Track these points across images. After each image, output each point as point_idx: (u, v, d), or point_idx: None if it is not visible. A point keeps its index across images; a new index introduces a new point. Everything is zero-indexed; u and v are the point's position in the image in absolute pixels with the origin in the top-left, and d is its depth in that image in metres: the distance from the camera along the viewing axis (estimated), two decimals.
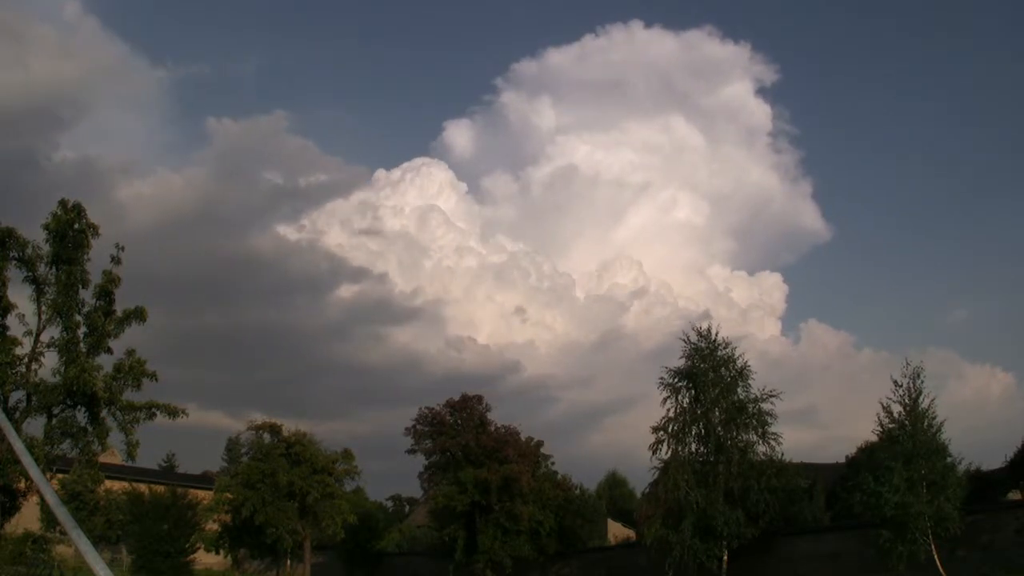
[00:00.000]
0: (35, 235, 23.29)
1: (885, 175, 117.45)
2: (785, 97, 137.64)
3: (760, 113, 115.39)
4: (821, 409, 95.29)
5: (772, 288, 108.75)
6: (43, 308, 23.47)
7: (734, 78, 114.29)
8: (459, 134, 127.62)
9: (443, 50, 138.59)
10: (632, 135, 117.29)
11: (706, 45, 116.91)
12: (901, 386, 24.01)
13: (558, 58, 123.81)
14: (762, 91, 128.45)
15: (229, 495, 34.77)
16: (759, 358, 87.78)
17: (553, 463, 39.07)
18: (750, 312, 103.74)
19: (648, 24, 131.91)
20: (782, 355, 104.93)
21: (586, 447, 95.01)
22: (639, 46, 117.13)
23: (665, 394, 28.67)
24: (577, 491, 40.63)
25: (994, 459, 32.43)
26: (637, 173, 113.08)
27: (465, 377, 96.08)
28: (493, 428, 36.86)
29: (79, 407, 23.63)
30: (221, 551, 37.99)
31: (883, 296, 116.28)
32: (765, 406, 27.97)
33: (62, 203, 23.22)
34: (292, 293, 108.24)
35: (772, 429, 27.86)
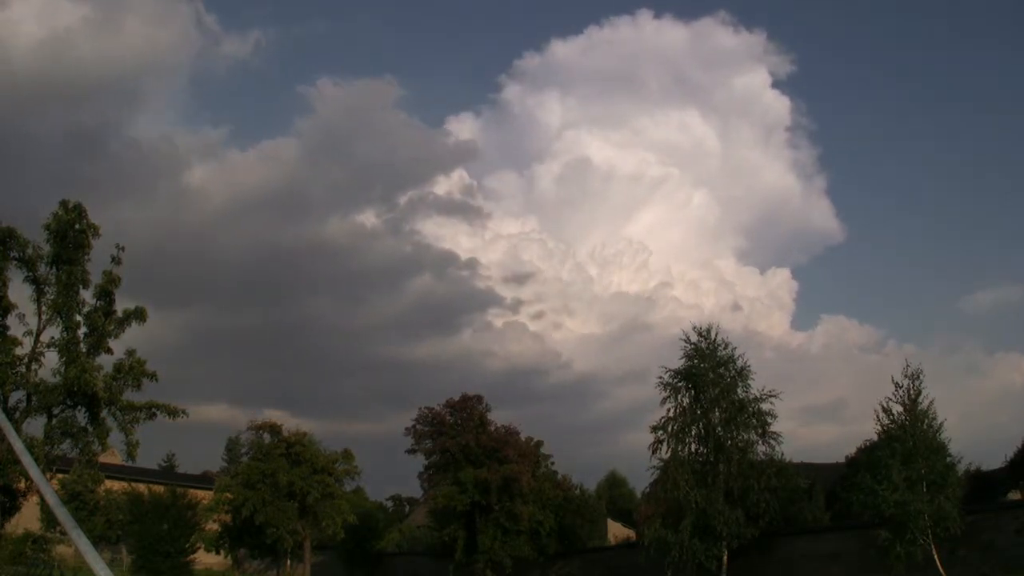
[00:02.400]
0: (37, 235, 23.36)
1: (902, 169, 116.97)
2: (801, 89, 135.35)
3: (778, 106, 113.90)
4: (850, 404, 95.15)
5: (784, 284, 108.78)
6: (43, 308, 23.48)
7: (748, 69, 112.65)
8: (462, 130, 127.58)
9: (446, 42, 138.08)
10: (642, 130, 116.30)
11: (718, 34, 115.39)
12: (901, 387, 24.08)
13: (564, 51, 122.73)
14: (778, 83, 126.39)
15: (229, 495, 34.78)
16: (778, 352, 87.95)
17: (553, 463, 39.18)
18: (770, 307, 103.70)
19: (657, 14, 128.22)
20: (801, 350, 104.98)
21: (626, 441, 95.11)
22: (648, 36, 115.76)
23: (665, 394, 28.72)
24: (577, 491, 40.64)
25: (994, 459, 32.56)
26: (650, 168, 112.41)
27: (516, 369, 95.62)
28: (493, 428, 36.86)
29: (79, 407, 23.62)
30: (221, 551, 38.01)
31: (905, 290, 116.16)
32: (765, 406, 27.97)
33: (63, 203, 23.27)
34: (362, 284, 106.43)
35: (772, 428, 27.90)
